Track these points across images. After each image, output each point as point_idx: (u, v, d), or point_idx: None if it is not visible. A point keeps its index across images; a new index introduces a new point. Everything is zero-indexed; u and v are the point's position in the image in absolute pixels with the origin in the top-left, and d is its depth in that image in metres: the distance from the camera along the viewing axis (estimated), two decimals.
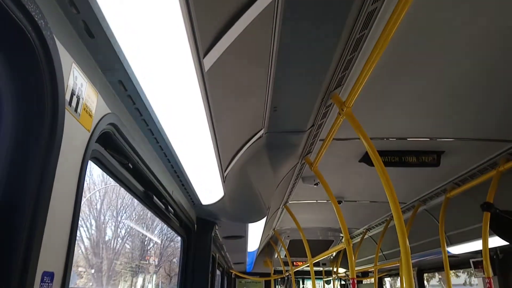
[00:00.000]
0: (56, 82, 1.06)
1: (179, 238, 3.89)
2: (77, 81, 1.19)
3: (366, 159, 4.15)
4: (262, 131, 3.05)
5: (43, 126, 1.06)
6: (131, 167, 1.95)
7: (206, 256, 4.00)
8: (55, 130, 1.08)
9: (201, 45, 1.36)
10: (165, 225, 2.95)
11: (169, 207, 2.86)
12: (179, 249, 4.08)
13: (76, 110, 1.19)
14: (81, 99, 1.22)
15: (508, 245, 4.47)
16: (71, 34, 1.16)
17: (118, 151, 1.74)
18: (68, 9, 1.09)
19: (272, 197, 4.67)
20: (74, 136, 1.21)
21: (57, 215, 1.12)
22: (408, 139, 3.77)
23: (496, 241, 4.32)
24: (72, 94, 1.16)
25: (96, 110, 1.34)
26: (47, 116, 1.06)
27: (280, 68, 2.24)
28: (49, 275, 1.09)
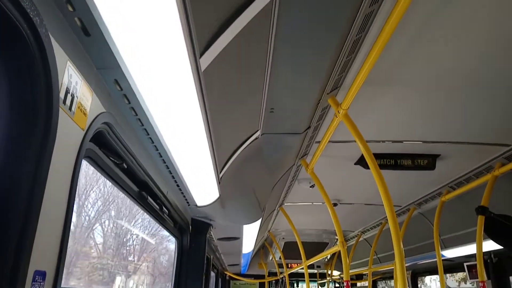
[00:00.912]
0: (51, 80, 1.05)
1: (163, 232, 3.84)
2: (71, 79, 1.18)
3: (361, 161, 4.16)
4: (258, 132, 3.05)
5: (37, 124, 1.05)
6: (126, 167, 1.94)
7: (200, 258, 3.99)
8: (49, 128, 1.07)
9: (198, 45, 1.35)
10: (147, 215, 2.88)
11: (164, 207, 2.85)
12: (161, 245, 4.01)
13: (70, 108, 1.19)
14: (75, 98, 1.21)
15: (502, 249, 4.49)
16: (67, 32, 1.15)
17: (112, 150, 1.73)
18: (64, 6, 1.08)
19: (268, 198, 4.67)
20: (68, 134, 1.20)
21: (49, 213, 1.11)
22: (404, 142, 3.78)
23: (490, 245, 4.33)
24: (67, 92, 1.15)
25: (91, 109, 1.33)
26: (41, 114, 1.05)
27: (276, 70, 2.23)
28: (41, 274, 1.08)
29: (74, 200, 1.27)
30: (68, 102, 1.17)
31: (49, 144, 1.08)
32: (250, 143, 3.06)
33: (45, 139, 1.06)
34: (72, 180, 1.24)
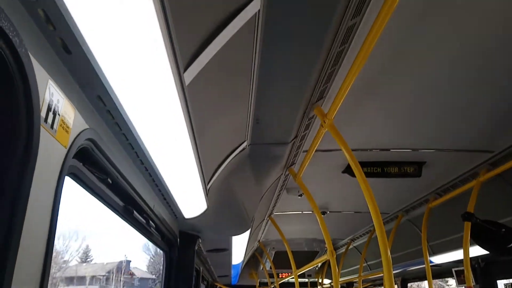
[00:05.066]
0: (31, 99, 1.04)
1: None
2: (53, 97, 1.17)
3: (348, 170, 4.18)
4: (245, 143, 3.05)
5: (18, 144, 1.04)
6: (111, 182, 1.92)
7: (189, 270, 3.94)
8: (30, 148, 1.06)
9: (182, 60, 1.35)
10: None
11: (151, 221, 2.82)
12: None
13: (52, 126, 1.17)
14: (57, 115, 1.20)
15: (489, 254, 4.53)
16: (47, 51, 1.14)
17: (96, 166, 1.71)
18: (44, 26, 1.07)
19: (257, 209, 4.65)
20: (50, 152, 1.19)
21: (32, 232, 1.09)
22: (391, 150, 3.81)
23: (477, 250, 4.37)
24: (48, 110, 1.14)
25: (74, 126, 1.32)
26: (22, 133, 1.04)
27: (262, 81, 2.24)
28: None
29: (57, 218, 1.25)
30: (49, 120, 1.15)
31: (31, 164, 1.07)
32: (237, 154, 3.05)
33: (26, 159, 1.05)
34: (55, 198, 1.23)
